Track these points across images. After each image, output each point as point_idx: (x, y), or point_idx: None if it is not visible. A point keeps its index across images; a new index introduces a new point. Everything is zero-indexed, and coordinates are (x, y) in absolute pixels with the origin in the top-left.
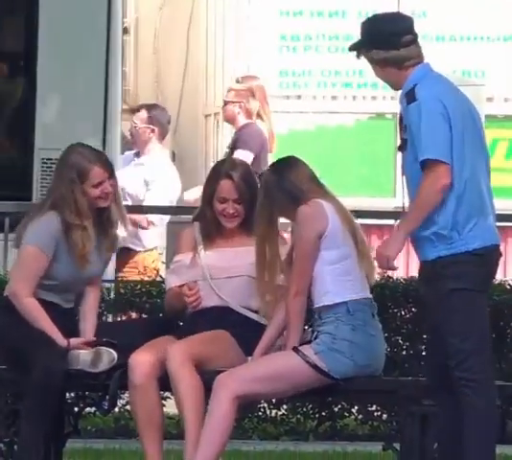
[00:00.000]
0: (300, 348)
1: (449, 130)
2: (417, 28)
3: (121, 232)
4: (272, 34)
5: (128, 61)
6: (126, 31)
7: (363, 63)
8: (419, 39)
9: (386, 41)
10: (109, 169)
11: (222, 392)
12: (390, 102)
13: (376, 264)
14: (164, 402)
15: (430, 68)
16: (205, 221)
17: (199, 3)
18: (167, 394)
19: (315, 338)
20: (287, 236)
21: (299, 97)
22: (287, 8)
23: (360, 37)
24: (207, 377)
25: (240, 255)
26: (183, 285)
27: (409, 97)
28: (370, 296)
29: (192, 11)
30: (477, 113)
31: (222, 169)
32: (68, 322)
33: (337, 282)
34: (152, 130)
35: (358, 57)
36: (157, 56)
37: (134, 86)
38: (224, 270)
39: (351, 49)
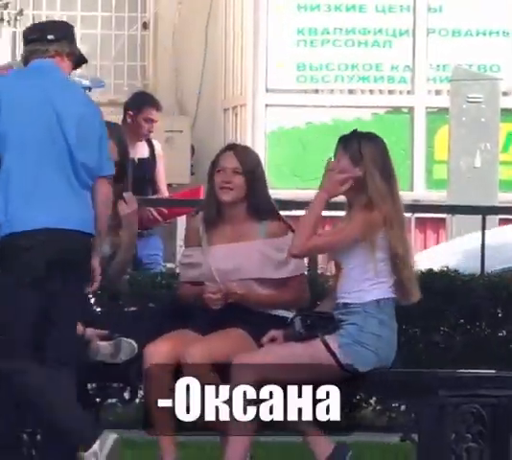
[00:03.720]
0: (325, 338)
1: None
2: (433, 22)
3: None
4: (290, 28)
5: (147, 56)
6: (145, 26)
7: (380, 57)
8: (435, 33)
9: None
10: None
11: (241, 375)
12: (407, 96)
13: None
14: None
15: (37, 66)
16: (207, 204)
17: None
18: None
19: (339, 328)
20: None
21: (317, 91)
22: (304, 2)
23: None
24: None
25: (243, 253)
26: (196, 283)
27: None
28: (395, 295)
29: (211, 6)
30: (67, 113)
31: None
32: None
33: (376, 282)
34: None
35: None
36: (176, 50)
37: (154, 81)
38: (232, 273)
39: None
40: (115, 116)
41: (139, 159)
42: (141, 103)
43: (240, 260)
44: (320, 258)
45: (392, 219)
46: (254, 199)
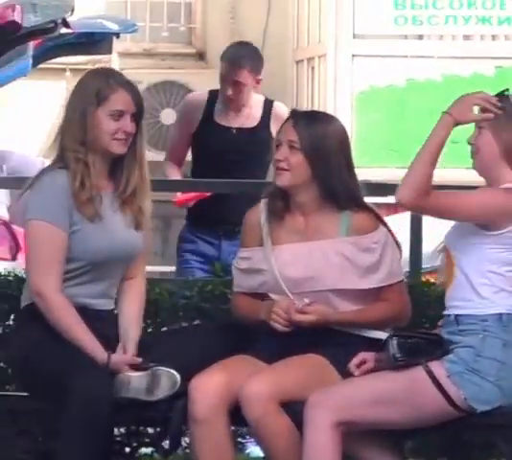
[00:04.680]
0: (430, 365)
1: None
2: None
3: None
4: None
5: None
6: None
7: None
8: None
9: None
10: (139, 105)
11: (318, 417)
12: None
13: None
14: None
15: None
16: (272, 190)
17: None
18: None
19: (449, 352)
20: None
21: (421, 37)
22: None
23: None
24: (298, 409)
25: (319, 255)
26: (257, 294)
27: None
28: None
29: None
30: None
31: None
32: (108, 330)
33: (498, 289)
34: None
35: None
36: None
37: (203, 23)
38: (303, 282)
39: None
40: (152, 70)
41: (238, 129)
42: (227, 58)
43: (314, 264)
44: (425, 254)
45: None
46: (326, 183)
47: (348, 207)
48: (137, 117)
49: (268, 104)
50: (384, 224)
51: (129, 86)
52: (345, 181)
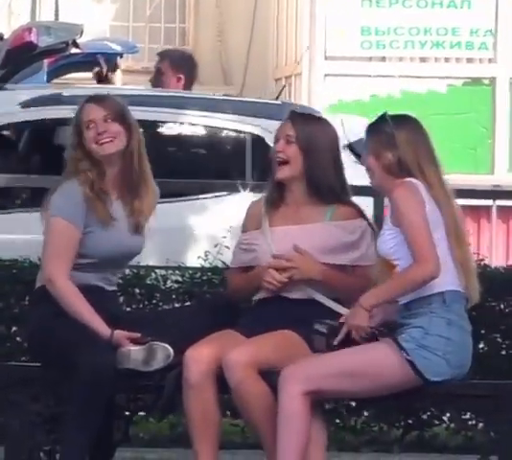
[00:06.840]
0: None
1: None
2: None
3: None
4: None
5: (187, 17)
6: None
7: (458, 21)
8: None
9: None
10: (111, 109)
11: (290, 387)
12: (488, 65)
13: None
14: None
15: None
16: (269, 184)
17: None
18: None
19: (402, 333)
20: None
21: (383, 58)
22: None
23: None
24: (274, 379)
25: (304, 236)
26: (248, 267)
27: None
28: (463, 290)
29: None
30: None
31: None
32: (112, 307)
33: None
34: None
35: None
36: (221, 10)
37: (194, 45)
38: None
39: None
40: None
41: None
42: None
43: (301, 242)
44: None
45: (438, 193)
46: (313, 178)
47: (332, 202)
48: (116, 118)
49: None
50: (366, 219)
51: (96, 99)
52: (329, 179)
